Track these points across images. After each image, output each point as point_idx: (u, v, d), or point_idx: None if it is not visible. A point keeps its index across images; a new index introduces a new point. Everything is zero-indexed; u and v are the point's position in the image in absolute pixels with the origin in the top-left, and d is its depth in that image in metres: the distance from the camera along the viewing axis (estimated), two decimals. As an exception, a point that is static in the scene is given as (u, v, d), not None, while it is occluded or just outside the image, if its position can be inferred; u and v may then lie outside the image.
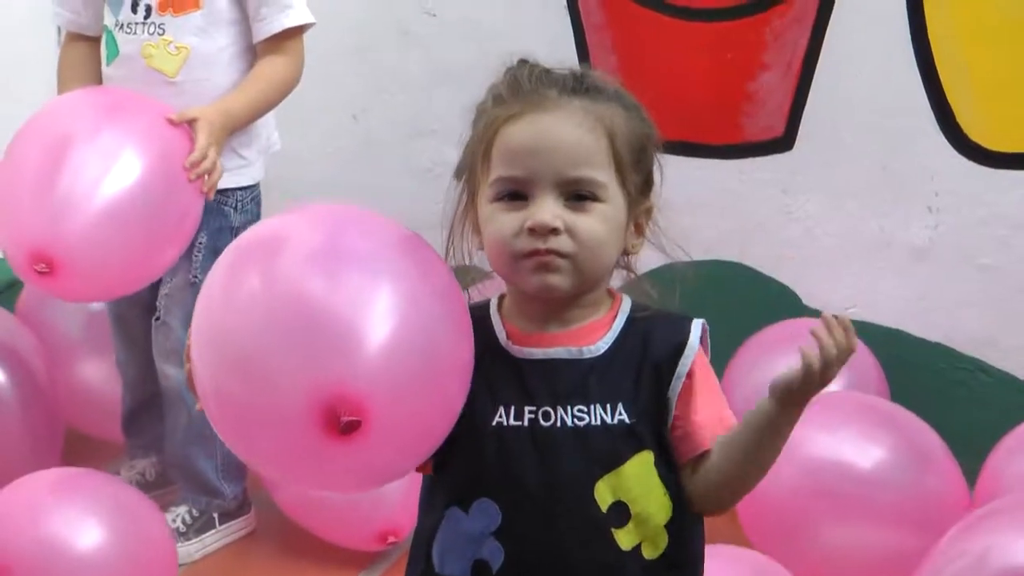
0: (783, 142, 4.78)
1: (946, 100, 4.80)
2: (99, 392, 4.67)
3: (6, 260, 4.32)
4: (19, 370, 4.51)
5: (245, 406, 2.46)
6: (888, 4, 4.73)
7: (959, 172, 4.77)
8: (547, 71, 2.60)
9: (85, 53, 4.37)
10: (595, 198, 2.51)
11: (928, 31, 4.75)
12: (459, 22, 5.02)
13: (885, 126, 4.80)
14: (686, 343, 2.55)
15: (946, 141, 4.81)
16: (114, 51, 4.27)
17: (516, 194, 2.50)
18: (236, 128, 4.23)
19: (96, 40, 4.38)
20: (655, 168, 2.61)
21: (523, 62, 2.63)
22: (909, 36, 4.73)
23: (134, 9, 4.19)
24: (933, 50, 4.78)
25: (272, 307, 2.43)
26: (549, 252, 2.48)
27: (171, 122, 4.07)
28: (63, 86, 4.41)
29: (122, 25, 4.21)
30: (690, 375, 2.54)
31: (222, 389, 2.49)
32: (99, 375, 4.68)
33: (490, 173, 2.52)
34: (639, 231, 2.60)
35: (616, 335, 2.61)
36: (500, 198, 2.50)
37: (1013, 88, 4.76)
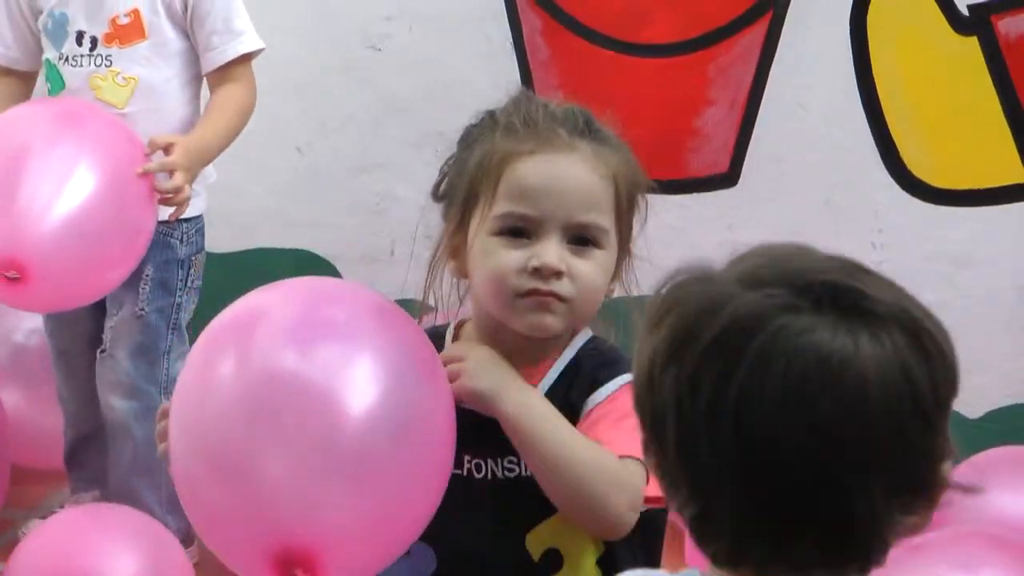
0: (728, 178, 4.80)
1: (890, 136, 4.82)
2: (42, 424, 4.63)
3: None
4: None
5: (213, 503, 2.52)
6: (833, 42, 4.76)
7: (903, 208, 4.82)
8: (554, 108, 2.68)
9: (13, 88, 4.36)
10: (597, 244, 2.56)
11: (873, 69, 4.77)
12: (404, 56, 4.94)
13: (830, 162, 4.82)
14: (601, 385, 2.60)
15: (890, 177, 4.84)
16: (59, 84, 4.26)
17: (520, 231, 2.54)
18: (209, 159, 4.23)
19: (24, 75, 4.38)
20: (637, 215, 2.69)
21: (528, 94, 2.73)
22: (854, 73, 4.75)
23: (79, 42, 4.19)
24: (878, 87, 4.81)
25: (244, 396, 2.49)
26: (550, 294, 2.53)
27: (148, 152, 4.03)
28: None
29: (67, 58, 4.21)
30: (592, 411, 2.59)
31: (191, 477, 2.54)
32: (47, 414, 4.62)
33: (495, 206, 2.56)
34: (616, 276, 2.66)
35: (554, 381, 2.66)
36: (503, 233, 2.55)
37: (957, 125, 4.80)
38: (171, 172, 4.06)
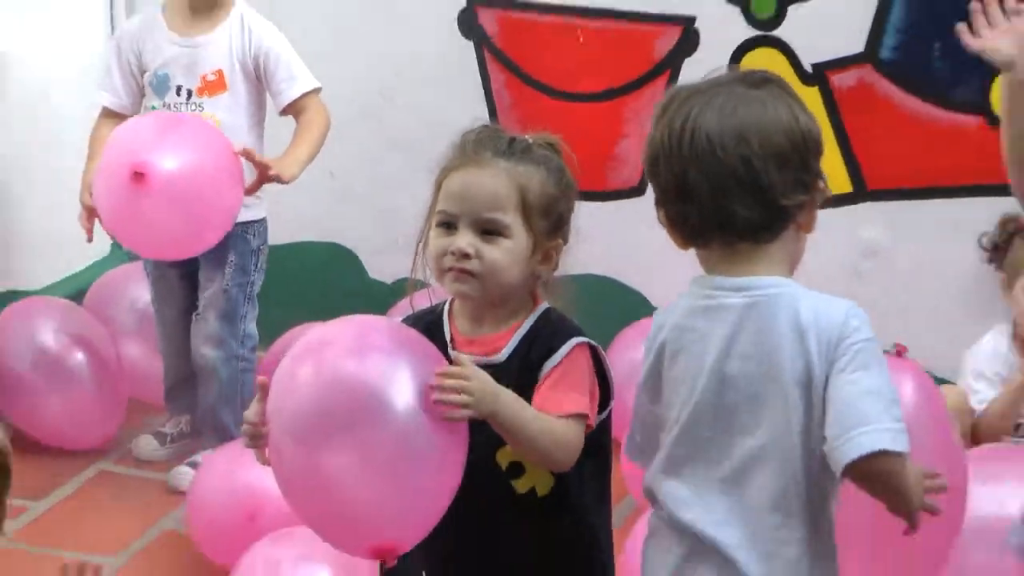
0: (637, 190, 5.09)
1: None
2: (150, 368, 4.90)
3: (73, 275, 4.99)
4: (92, 352, 4.79)
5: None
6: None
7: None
8: (493, 136, 2.94)
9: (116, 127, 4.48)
10: (501, 234, 2.82)
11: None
12: (407, 104, 5.23)
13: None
14: (556, 352, 2.82)
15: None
16: None
17: (448, 224, 2.83)
18: (304, 164, 4.49)
19: (127, 118, 4.54)
20: (570, 217, 2.95)
21: (483, 127, 3.01)
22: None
23: (178, 93, 4.51)
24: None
25: (315, 395, 2.76)
26: (462, 271, 2.80)
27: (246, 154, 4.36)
28: (94, 156, 4.52)
29: (169, 105, 4.51)
30: (549, 374, 2.80)
31: (283, 454, 2.78)
32: (151, 359, 4.90)
33: (437, 206, 2.86)
34: (547, 260, 2.90)
35: (516, 344, 2.87)
36: (439, 225, 2.85)
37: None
38: (267, 168, 4.36)
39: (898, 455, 2.55)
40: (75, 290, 5.10)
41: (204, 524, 4.12)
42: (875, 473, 2.57)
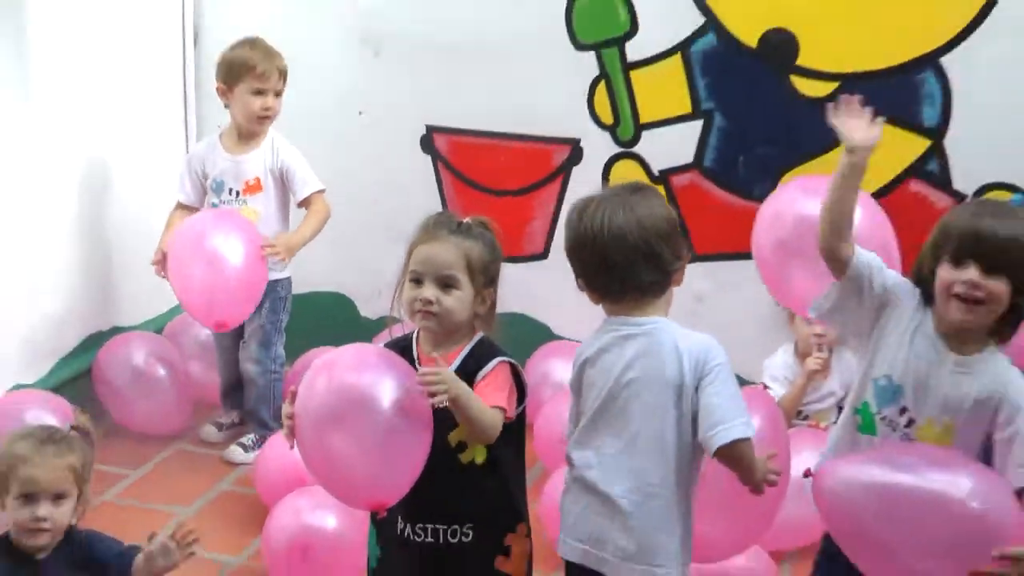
0: (543, 255, 4.95)
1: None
2: (209, 379, 4.83)
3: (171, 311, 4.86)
4: (169, 367, 4.69)
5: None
6: (595, 186, 4.29)
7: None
8: (447, 219, 2.91)
9: (185, 216, 4.44)
10: (454, 286, 2.83)
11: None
12: (381, 201, 5.02)
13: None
14: (486, 366, 2.83)
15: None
16: None
17: (418, 280, 2.84)
18: (303, 245, 4.42)
19: (194, 209, 4.49)
20: (499, 273, 2.94)
21: (439, 213, 3.01)
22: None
23: (230, 193, 4.46)
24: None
25: (327, 399, 2.76)
26: (427, 312, 2.82)
27: (263, 247, 4.26)
28: (168, 230, 4.44)
29: (224, 202, 4.47)
30: (482, 380, 2.81)
31: (307, 440, 2.78)
32: (211, 372, 4.82)
33: (409, 267, 2.86)
34: (483, 303, 2.89)
35: (460, 361, 2.86)
36: (411, 280, 2.85)
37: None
38: (277, 253, 4.29)
39: (748, 439, 2.68)
40: (158, 326, 5.01)
41: (265, 482, 4.08)
42: (736, 455, 2.69)
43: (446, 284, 2.85)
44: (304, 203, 4.49)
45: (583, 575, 2.88)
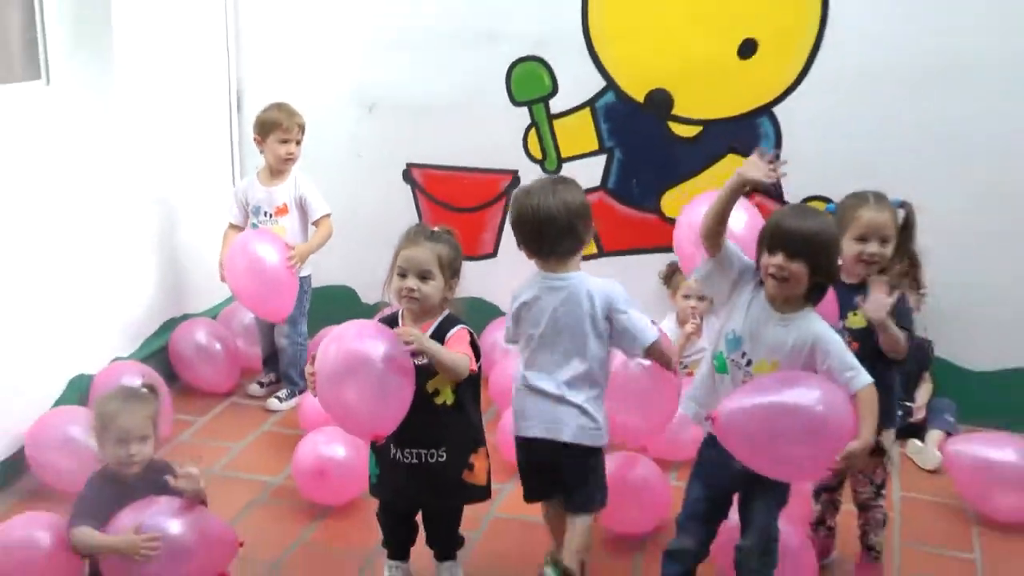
0: (493, 254, 4.83)
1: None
2: (252, 351, 4.69)
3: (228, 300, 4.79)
4: (222, 344, 4.57)
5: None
6: None
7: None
8: (423, 229, 2.88)
9: (235, 235, 4.33)
10: (430, 278, 2.82)
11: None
12: (372, 218, 4.78)
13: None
14: (451, 331, 2.82)
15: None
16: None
17: (403, 274, 2.83)
18: (311, 253, 4.31)
19: (242, 229, 4.36)
20: (461, 267, 2.89)
21: (417, 225, 2.95)
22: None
23: (266, 215, 4.34)
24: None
25: (338, 361, 2.70)
26: (411, 297, 2.81)
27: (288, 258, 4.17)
28: (225, 244, 4.33)
29: (261, 222, 4.34)
30: (449, 339, 2.80)
31: (323, 389, 2.73)
32: (254, 346, 4.68)
33: (396, 264, 2.84)
34: (450, 289, 2.88)
35: (432, 330, 2.83)
36: (398, 274, 2.84)
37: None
38: (293, 258, 4.18)
39: (659, 339, 2.88)
40: (215, 313, 4.93)
41: (306, 421, 4.02)
42: (657, 350, 2.89)
43: (424, 276, 2.83)
44: (315, 223, 4.41)
45: (530, 451, 2.97)
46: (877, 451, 3.03)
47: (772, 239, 2.72)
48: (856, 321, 2.96)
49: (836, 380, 2.68)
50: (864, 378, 2.68)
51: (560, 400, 2.89)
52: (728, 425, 2.69)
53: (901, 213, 3.01)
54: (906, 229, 2.98)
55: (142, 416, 2.92)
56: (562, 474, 2.95)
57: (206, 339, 4.60)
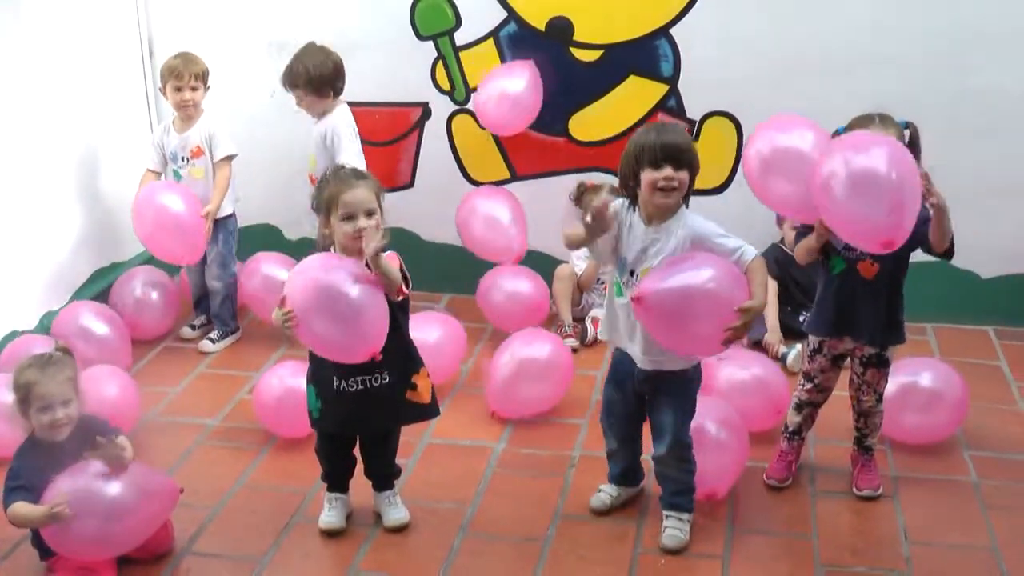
0: (410, 184, 4.75)
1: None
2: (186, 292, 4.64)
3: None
4: (165, 283, 4.51)
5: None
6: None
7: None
8: (349, 172, 2.93)
9: (151, 179, 4.33)
10: (374, 215, 2.84)
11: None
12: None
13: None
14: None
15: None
16: (177, 176, 4.35)
17: (349, 216, 2.83)
18: (219, 204, 4.28)
19: (157, 173, 4.38)
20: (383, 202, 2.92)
21: (338, 168, 3.00)
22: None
23: (183, 159, 4.31)
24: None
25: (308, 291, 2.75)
26: (359, 236, 2.79)
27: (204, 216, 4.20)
28: (142, 188, 4.27)
29: (179, 166, 4.32)
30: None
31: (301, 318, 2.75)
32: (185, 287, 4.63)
33: (339, 209, 2.83)
34: (384, 221, 2.88)
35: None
36: (344, 218, 2.83)
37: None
38: (208, 214, 4.22)
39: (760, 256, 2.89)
40: (144, 259, 4.77)
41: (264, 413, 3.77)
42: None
43: (370, 213, 2.84)
44: (216, 164, 4.33)
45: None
46: (882, 362, 3.17)
47: (659, 154, 2.82)
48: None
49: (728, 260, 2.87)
50: (750, 251, 2.86)
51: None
52: (647, 302, 2.80)
53: (907, 133, 2.99)
54: (911, 148, 2.93)
55: (61, 379, 2.88)
56: None
57: (141, 289, 4.51)
